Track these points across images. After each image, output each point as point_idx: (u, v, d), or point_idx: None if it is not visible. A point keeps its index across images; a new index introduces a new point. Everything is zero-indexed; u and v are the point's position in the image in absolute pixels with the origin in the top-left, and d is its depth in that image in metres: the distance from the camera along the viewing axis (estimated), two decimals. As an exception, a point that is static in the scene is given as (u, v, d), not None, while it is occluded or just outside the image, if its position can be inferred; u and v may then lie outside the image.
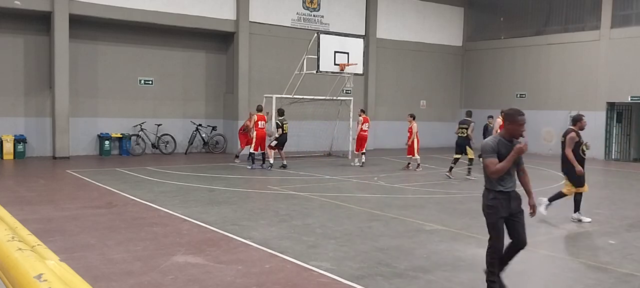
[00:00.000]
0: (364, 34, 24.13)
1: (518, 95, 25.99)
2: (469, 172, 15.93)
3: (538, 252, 7.96)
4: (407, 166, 17.56)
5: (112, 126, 19.99)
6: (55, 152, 18.31)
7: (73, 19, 18.21)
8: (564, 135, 9.91)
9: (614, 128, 23.28)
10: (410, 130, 17.29)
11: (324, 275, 6.38)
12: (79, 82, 19.28)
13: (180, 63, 21.53)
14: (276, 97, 18.90)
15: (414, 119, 17.49)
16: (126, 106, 20.42)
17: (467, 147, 16.02)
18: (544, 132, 24.67)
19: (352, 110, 21.13)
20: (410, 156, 17.41)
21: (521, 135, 5.62)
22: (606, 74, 22.85)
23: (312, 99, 20.61)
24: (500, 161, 5.51)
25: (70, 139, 18.65)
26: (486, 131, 19.42)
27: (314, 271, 6.54)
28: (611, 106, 22.97)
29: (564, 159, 9.84)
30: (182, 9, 20.08)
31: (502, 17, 27.11)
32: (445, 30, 27.87)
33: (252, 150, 16.84)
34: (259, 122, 16.82)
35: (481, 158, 5.90)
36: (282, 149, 17.04)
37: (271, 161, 16.84)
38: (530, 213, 5.92)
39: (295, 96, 19.62)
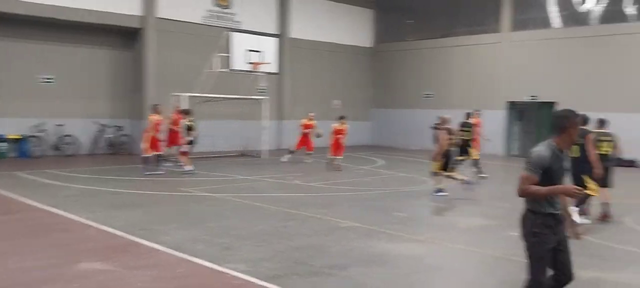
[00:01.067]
0: (277, 33, 24.07)
1: (426, 95, 26.94)
2: (480, 171, 16.02)
3: (445, 245, 8.26)
4: (334, 164, 17.51)
5: (9, 127, 18.59)
6: (-58, 155, 16.83)
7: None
8: (583, 137, 9.40)
9: (515, 126, 24.73)
10: (342, 131, 17.29)
11: (239, 277, 6.26)
12: (-31, 80, 17.85)
13: (83, 60, 20.44)
14: (186, 96, 18.41)
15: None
16: (25, 106, 19.08)
17: (470, 149, 16.25)
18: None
19: (266, 109, 21.03)
20: (336, 156, 17.40)
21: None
22: (506, 75, 24.19)
23: (225, 97, 20.28)
24: (545, 179, 4.41)
25: (-41, 141, 17.21)
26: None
27: (229, 273, 6.40)
28: (512, 105, 24.33)
29: (587, 160, 9.48)
30: (84, 4, 19.07)
31: (409, 19, 28.00)
32: (356, 31, 28.39)
33: (145, 155, 15.11)
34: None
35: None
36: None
37: (186, 168, 15.45)
38: (575, 237, 4.92)
39: (206, 95, 19.21)
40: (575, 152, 9.12)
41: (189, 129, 15.80)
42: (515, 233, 8.85)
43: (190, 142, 15.91)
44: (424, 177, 15.91)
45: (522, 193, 4.46)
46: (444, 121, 12.93)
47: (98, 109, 20.84)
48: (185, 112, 16.18)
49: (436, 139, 13.04)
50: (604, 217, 9.89)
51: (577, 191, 4.42)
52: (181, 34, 21.71)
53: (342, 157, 17.57)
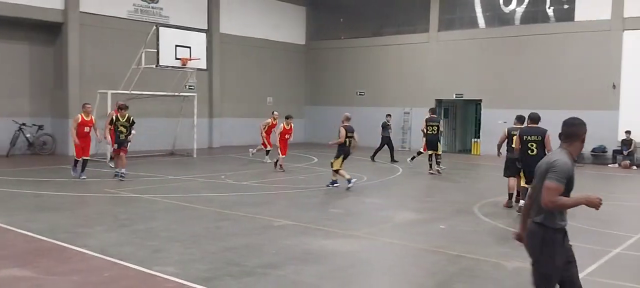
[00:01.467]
0: (206, 28, 23.60)
1: (358, 93, 27.25)
2: (439, 164, 16.39)
3: (378, 240, 8.38)
4: (279, 164, 16.96)
5: None
6: None
7: None
8: (542, 135, 10.11)
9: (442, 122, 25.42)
10: (289, 131, 16.92)
11: (170, 280, 6.07)
12: None
13: (-3, 56, 19.29)
14: (111, 93, 17.71)
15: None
16: None
17: (438, 144, 16.43)
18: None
19: (196, 106, 20.59)
20: (283, 155, 16.94)
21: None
22: (434, 73, 24.85)
23: (152, 94, 19.69)
24: (565, 190, 4.14)
25: None
26: (384, 129, 20.15)
27: (159, 276, 6.19)
28: (439, 103, 25.01)
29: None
30: (-2, -5, 18.02)
31: (341, 18, 28.24)
32: (289, 28, 28.31)
33: (77, 158, 13.86)
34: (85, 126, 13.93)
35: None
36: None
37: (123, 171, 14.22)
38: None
39: (133, 92, 18.56)
40: (533, 149, 10.01)
41: (127, 125, 14.37)
42: (443, 226, 9.19)
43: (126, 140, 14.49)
44: (357, 173, 16.08)
45: (552, 205, 4.07)
46: (344, 119, 13.18)
47: (16, 107, 19.67)
48: (121, 107, 14.48)
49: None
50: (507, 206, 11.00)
51: (600, 201, 4.07)
52: (106, 29, 20.87)
53: (284, 155, 17.27)
